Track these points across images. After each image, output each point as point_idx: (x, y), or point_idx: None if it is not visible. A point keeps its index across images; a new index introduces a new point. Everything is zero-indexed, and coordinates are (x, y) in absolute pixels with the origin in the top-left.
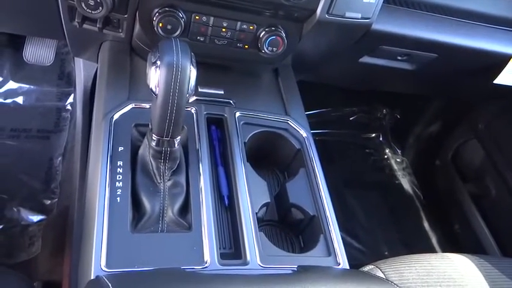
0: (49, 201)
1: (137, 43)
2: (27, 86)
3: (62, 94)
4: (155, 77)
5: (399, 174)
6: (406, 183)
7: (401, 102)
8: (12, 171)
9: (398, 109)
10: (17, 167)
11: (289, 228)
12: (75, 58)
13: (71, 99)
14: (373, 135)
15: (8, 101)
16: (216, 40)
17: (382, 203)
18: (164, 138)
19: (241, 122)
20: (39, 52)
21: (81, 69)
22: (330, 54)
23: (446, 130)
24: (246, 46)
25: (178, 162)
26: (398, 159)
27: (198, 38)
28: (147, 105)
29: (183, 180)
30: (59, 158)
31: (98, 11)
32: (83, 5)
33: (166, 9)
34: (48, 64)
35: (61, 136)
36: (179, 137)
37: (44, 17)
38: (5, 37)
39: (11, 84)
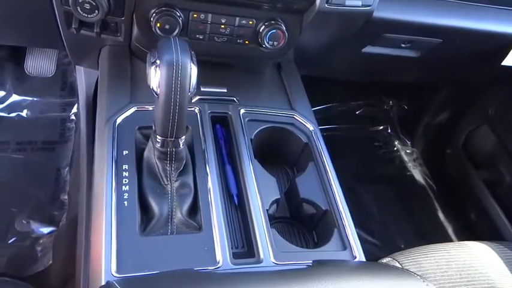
0: (58, 212)
1: (136, 46)
2: (31, 98)
3: (65, 105)
4: (155, 76)
5: (410, 165)
6: (417, 174)
7: (407, 92)
8: (20, 185)
9: (404, 100)
10: (24, 180)
11: (301, 224)
12: (77, 67)
13: (74, 109)
14: (381, 127)
15: (12, 114)
16: (215, 37)
17: (394, 196)
18: (169, 139)
19: (247, 119)
20: (40, 64)
21: (83, 78)
22: (332, 45)
23: (455, 118)
24: (247, 42)
25: (184, 162)
26: (408, 151)
27: (197, 36)
28: (150, 108)
29: (190, 180)
30: (66, 169)
31: (94, 14)
32: (79, 9)
33: (163, 9)
34: (50, 75)
35: (67, 147)
36: (184, 137)
37: (41, 27)
38: (6, 51)
39: (14, 98)
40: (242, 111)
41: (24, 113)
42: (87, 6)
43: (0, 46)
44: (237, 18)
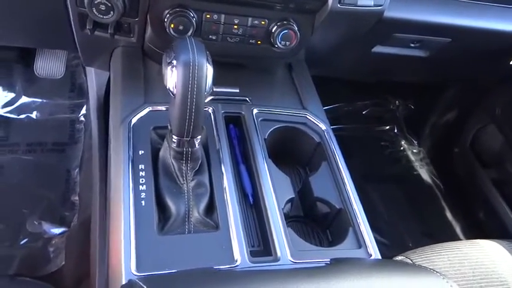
0: (69, 213)
1: (149, 46)
2: (40, 100)
3: (74, 106)
4: (172, 77)
5: (417, 165)
6: (424, 174)
7: (413, 92)
8: (30, 186)
9: (411, 99)
10: (34, 182)
11: (316, 223)
12: (87, 68)
13: (83, 111)
14: (388, 127)
15: (22, 116)
16: (228, 38)
17: (402, 195)
18: (184, 139)
19: (260, 119)
20: (49, 65)
21: (93, 79)
22: (342, 45)
23: (462, 117)
24: (259, 42)
25: (200, 162)
26: (415, 150)
27: (211, 36)
28: (164, 108)
29: (206, 180)
30: (76, 170)
31: (110, 15)
32: (94, 10)
33: (177, 9)
34: (59, 77)
35: (76, 148)
36: (200, 137)
37: (54, 28)
38: (15, 53)
39: (24, 99)
40: (255, 111)
41: (33, 115)
42: (103, 7)
43: (10, 48)
44: (250, 19)
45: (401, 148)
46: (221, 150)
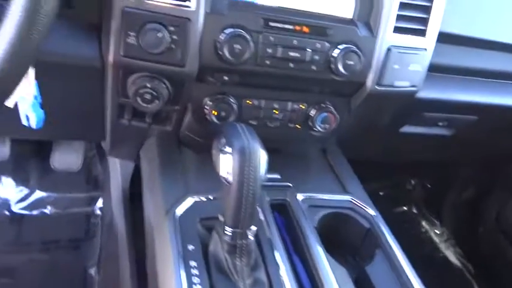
0: None
1: (186, 134)
2: (55, 194)
3: (90, 199)
4: (226, 164)
5: (442, 246)
6: (451, 255)
7: (429, 170)
8: None
9: (427, 178)
10: (50, 283)
11: None
12: (109, 159)
13: (100, 204)
14: (406, 208)
15: (35, 212)
16: (268, 122)
17: (430, 279)
18: (239, 230)
19: (306, 205)
20: (67, 158)
21: (118, 170)
22: (372, 127)
23: (482, 194)
24: (298, 126)
25: (254, 255)
26: (437, 231)
27: (251, 121)
28: (207, 198)
29: (263, 276)
30: (94, 268)
31: (154, 104)
32: (139, 99)
33: (219, 96)
34: (77, 170)
35: (93, 244)
36: (255, 228)
37: (82, 119)
38: (31, 146)
39: (38, 194)
40: (300, 197)
41: (47, 210)
42: (148, 96)
43: (26, 141)
44: (290, 103)
45: (423, 230)
46: (273, 240)
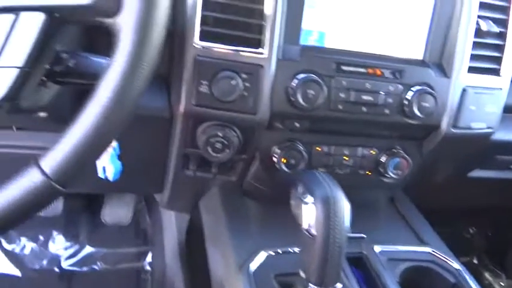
0: None
1: (252, 184)
2: (104, 249)
3: (140, 254)
4: (309, 215)
5: None
6: None
7: (488, 216)
8: None
9: (487, 225)
10: None
11: None
12: (163, 212)
13: (149, 259)
14: (467, 259)
15: (85, 268)
16: (338, 169)
17: None
18: None
19: (385, 258)
20: (118, 211)
21: (173, 222)
22: (444, 171)
23: None
24: (368, 172)
25: None
26: (503, 283)
27: (320, 169)
28: (281, 251)
29: None
30: None
31: (225, 153)
32: (210, 149)
33: (288, 143)
34: (127, 223)
35: None
36: (341, 286)
37: (142, 172)
38: (83, 201)
39: (88, 250)
40: (378, 249)
41: (97, 266)
42: (219, 145)
43: (78, 195)
44: (360, 149)
45: (486, 282)
46: None
